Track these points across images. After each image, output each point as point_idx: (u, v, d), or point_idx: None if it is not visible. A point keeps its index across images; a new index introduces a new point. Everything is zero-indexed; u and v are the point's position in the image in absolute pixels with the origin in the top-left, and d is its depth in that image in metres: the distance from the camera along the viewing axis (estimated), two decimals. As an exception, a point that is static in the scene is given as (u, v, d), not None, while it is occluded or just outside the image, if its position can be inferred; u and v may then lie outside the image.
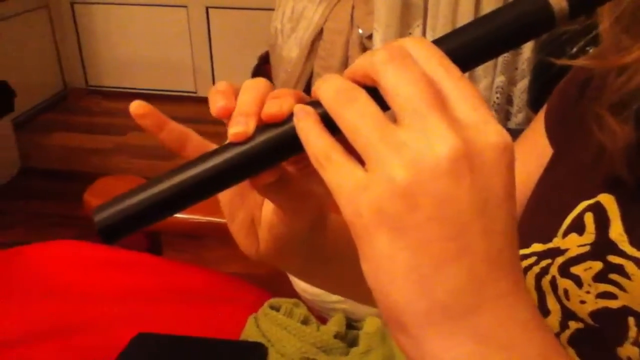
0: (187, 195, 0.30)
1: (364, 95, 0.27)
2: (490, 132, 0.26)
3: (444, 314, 0.25)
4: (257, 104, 0.31)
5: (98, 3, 3.25)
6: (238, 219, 0.39)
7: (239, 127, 0.30)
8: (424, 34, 1.68)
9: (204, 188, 0.31)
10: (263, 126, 0.30)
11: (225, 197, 0.38)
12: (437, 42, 0.29)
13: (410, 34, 1.69)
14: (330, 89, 0.28)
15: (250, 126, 0.30)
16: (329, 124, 0.28)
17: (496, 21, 0.29)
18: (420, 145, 0.25)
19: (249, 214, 0.39)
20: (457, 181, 0.25)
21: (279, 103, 0.30)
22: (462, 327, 0.25)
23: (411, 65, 0.26)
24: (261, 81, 0.34)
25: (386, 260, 0.26)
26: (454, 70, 0.27)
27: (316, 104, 0.29)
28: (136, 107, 0.35)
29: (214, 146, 0.38)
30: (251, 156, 0.30)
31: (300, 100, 0.31)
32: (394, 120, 0.27)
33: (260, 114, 0.31)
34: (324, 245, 0.42)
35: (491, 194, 0.25)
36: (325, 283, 0.50)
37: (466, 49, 0.29)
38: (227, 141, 0.30)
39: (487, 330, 0.25)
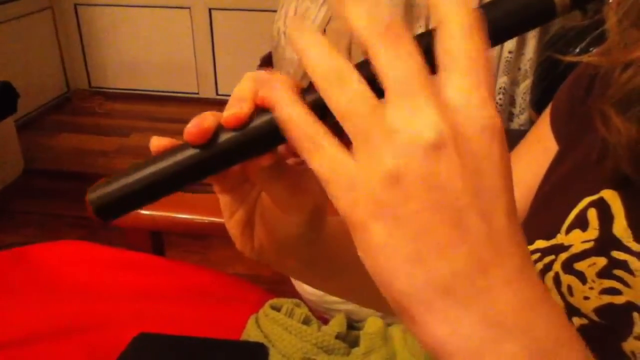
0: (183, 176, 0.31)
1: (355, 76, 0.26)
2: (479, 115, 0.25)
3: (450, 299, 0.25)
4: (252, 91, 0.31)
5: (101, 5, 3.25)
6: (236, 217, 0.39)
7: (233, 109, 0.30)
8: (426, 34, 1.68)
9: (200, 169, 0.31)
10: (259, 111, 0.30)
11: (225, 194, 0.38)
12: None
13: (412, 34, 1.69)
14: (321, 66, 0.27)
15: (244, 110, 0.30)
16: (319, 110, 0.28)
17: (497, 9, 0.29)
18: (408, 132, 0.24)
19: (246, 211, 0.39)
20: (446, 167, 0.24)
21: (270, 89, 0.30)
22: (470, 311, 0.25)
23: (406, 38, 0.26)
24: (260, 72, 0.34)
25: (385, 249, 0.25)
26: (472, 35, 0.26)
27: (309, 90, 0.29)
28: (155, 142, 0.34)
29: None
30: (245, 139, 0.30)
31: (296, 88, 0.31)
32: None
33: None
34: (320, 246, 0.42)
35: (484, 177, 0.25)
36: (322, 285, 0.50)
37: None
38: (222, 122, 0.30)
39: (497, 314, 0.25)
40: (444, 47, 0.26)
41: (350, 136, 0.26)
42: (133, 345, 0.77)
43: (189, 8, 3.19)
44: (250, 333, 0.81)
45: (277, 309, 0.84)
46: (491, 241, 0.25)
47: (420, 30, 1.69)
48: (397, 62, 0.25)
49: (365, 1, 0.26)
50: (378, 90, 0.26)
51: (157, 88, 3.36)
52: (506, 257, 0.25)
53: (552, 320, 0.26)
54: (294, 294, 0.98)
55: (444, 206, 0.25)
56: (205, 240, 2.01)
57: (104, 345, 0.79)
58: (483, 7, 0.29)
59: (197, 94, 3.33)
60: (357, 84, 0.26)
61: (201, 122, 0.30)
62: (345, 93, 0.26)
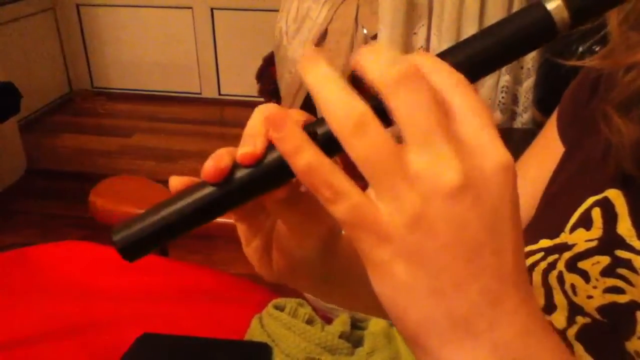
0: (202, 214, 0.31)
1: (373, 121, 0.26)
2: (496, 155, 0.26)
3: (464, 331, 0.26)
4: (264, 126, 0.31)
5: (103, 5, 3.26)
6: (253, 245, 0.39)
7: (247, 147, 0.30)
8: (428, 33, 1.68)
9: (218, 206, 0.32)
10: (272, 145, 0.31)
11: (241, 223, 0.38)
12: (441, 56, 0.29)
13: (415, 34, 1.69)
14: (338, 111, 0.26)
15: (258, 147, 0.30)
16: (328, 144, 0.28)
17: (498, 34, 0.29)
18: (431, 175, 0.25)
19: (263, 239, 0.39)
20: (469, 206, 0.25)
21: (283, 138, 0.29)
22: (482, 342, 0.26)
23: (423, 88, 0.26)
24: (271, 105, 0.34)
25: (406, 286, 0.26)
26: (465, 84, 0.27)
27: (319, 123, 0.29)
28: (174, 182, 0.34)
29: None
30: (261, 175, 0.31)
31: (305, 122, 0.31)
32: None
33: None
34: (336, 265, 0.42)
35: (499, 214, 0.26)
36: (341, 301, 0.50)
37: (470, 62, 0.29)
38: (237, 159, 0.31)
39: (505, 343, 0.26)
40: (443, 97, 0.27)
41: (370, 181, 0.26)
42: (137, 345, 0.77)
43: (191, 8, 3.19)
44: (254, 333, 0.81)
45: (280, 308, 0.84)
46: (501, 276, 0.26)
47: (423, 29, 1.69)
48: (415, 112, 0.26)
49: (381, 51, 0.27)
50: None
51: (159, 88, 3.36)
52: (513, 290, 0.27)
53: (553, 346, 0.28)
54: (297, 293, 0.98)
55: (463, 244, 0.26)
56: (209, 240, 2.01)
57: (106, 346, 0.79)
58: (485, 30, 0.30)
59: (200, 93, 3.33)
60: (376, 131, 0.26)
61: (218, 163, 0.31)
62: (364, 141, 0.26)
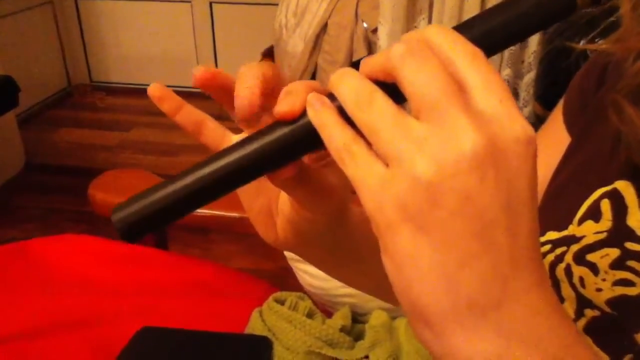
0: (205, 192, 0.30)
1: (381, 96, 0.26)
2: (514, 127, 0.25)
3: (469, 309, 0.25)
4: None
5: (102, -1, 3.25)
6: (255, 208, 0.38)
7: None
8: (429, 27, 1.67)
9: (220, 185, 0.31)
10: (278, 122, 0.30)
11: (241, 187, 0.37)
12: (459, 30, 0.28)
13: (415, 27, 1.68)
14: (348, 90, 0.27)
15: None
16: (346, 117, 0.28)
17: (518, 7, 0.29)
18: (441, 141, 0.24)
19: (265, 203, 0.38)
20: (480, 178, 0.24)
21: (292, 100, 0.29)
22: (486, 321, 0.25)
23: (429, 58, 0.26)
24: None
25: (409, 256, 0.25)
26: (480, 58, 0.26)
27: (332, 97, 0.29)
28: (153, 90, 0.35)
29: (229, 133, 0.37)
30: (270, 152, 0.30)
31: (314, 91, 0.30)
32: (414, 116, 0.26)
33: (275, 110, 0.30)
34: (345, 237, 0.41)
35: (515, 191, 0.25)
36: (348, 277, 0.49)
37: (489, 36, 0.28)
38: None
39: (510, 325, 0.25)
40: (456, 70, 0.26)
41: (381, 150, 0.26)
42: (136, 339, 0.76)
43: (190, 2, 3.18)
44: (254, 327, 0.81)
45: (281, 302, 0.83)
46: (512, 256, 0.25)
47: (424, 22, 1.68)
48: (421, 78, 0.25)
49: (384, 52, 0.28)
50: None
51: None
52: (523, 272, 0.26)
53: (564, 330, 0.27)
54: (297, 287, 0.98)
55: (472, 217, 0.24)
56: (208, 234, 2.01)
57: (107, 340, 0.78)
58: (503, 3, 0.29)
59: (199, 88, 3.32)
60: (382, 101, 0.26)
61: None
62: (371, 110, 0.26)
